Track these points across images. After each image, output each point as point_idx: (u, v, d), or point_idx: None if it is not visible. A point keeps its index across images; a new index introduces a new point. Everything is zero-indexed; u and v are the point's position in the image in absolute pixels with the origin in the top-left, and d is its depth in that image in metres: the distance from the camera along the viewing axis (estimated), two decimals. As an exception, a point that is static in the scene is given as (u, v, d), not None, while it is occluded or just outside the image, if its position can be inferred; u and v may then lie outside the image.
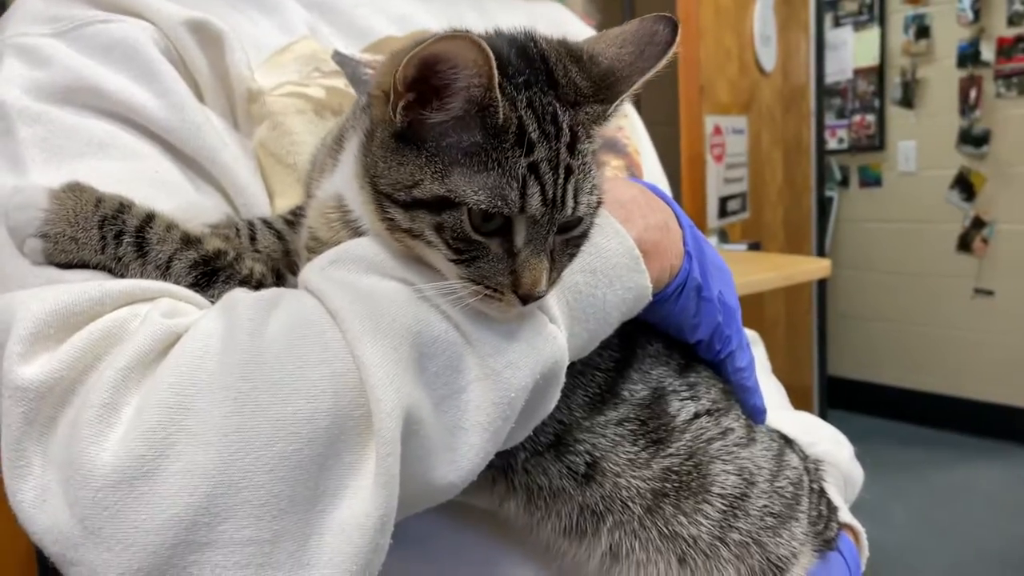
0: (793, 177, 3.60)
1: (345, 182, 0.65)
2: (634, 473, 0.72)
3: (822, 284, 3.97)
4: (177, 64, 0.76)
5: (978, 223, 4.63)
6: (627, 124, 1.13)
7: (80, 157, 0.67)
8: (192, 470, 0.51)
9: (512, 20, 1.10)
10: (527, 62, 0.61)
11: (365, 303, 0.56)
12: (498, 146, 0.57)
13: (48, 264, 0.62)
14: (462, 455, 0.59)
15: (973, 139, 4.58)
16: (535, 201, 0.57)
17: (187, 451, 0.51)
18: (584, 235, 0.63)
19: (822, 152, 3.80)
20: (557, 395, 0.65)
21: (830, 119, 5.04)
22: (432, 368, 0.57)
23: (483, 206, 0.56)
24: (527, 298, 0.58)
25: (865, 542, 0.95)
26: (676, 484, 0.73)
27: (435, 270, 0.60)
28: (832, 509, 0.89)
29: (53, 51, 0.71)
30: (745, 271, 2.08)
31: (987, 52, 4.51)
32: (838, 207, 5.19)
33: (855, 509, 0.98)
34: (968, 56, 4.56)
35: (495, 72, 0.54)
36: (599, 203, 0.63)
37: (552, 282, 0.60)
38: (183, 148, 0.73)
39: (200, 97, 0.78)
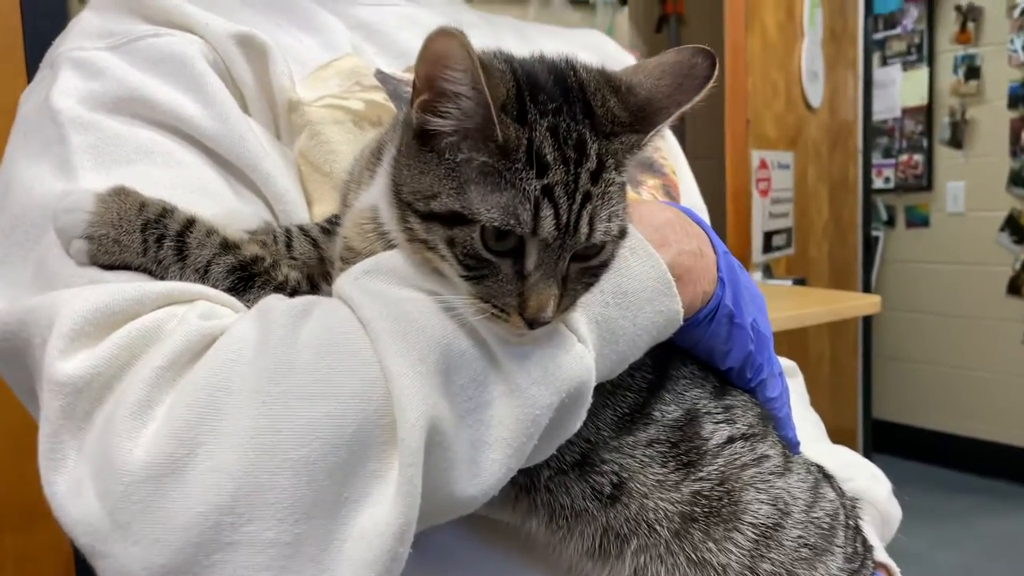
0: (839, 215, 3.56)
1: (380, 194, 0.66)
2: (662, 495, 0.71)
3: (867, 324, 3.90)
4: (224, 76, 0.79)
5: (1029, 266, 4.54)
6: (664, 145, 1.13)
7: (128, 163, 0.70)
8: (220, 470, 0.52)
9: (553, 46, 1.12)
10: (563, 90, 0.61)
11: (395, 314, 0.57)
12: (510, 167, 0.57)
13: (92, 265, 0.64)
14: (484, 469, 0.59)
15: (1024, 181, 4.51)
16: (548, 224, 0.57)
17: (216, 451, 0.52)
18: (603, 265, 0.63)
19: (869, 191, 3.75)
20: (583, 415, 0.64)
21: (876, 158, 4.99)
22: (458, 381, 0.58)
23: (496, 223, 0.57)
24: (533, 322, 0.57)
25: None
26: (706, 509, 0.71)
27: (455, 286, 0.61)
28: (868, 547, 0.86)
29: (106, 64, 0.75)
30: (791, 305, 2.05)
31: (1039, 93, 4.45)
32: (884, 247, 5.12)
33: (900, 556, 0.95)
34: (1020, 97, 4.51)
35: (482, 77, 0.54)
36: (621, 232, 0.62)
37: (563, 309, 0.59)
38: (226, 156, 0.75)
39: (245, 108, 0.80)
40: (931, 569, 3.73)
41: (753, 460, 0.75)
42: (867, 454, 3.85)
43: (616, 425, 0.70)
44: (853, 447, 3.44)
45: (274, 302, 0.62)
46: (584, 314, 0.63)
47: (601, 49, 1.20)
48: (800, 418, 0.89)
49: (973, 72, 4.69)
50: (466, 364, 0.58)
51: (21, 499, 1.93)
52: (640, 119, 0.62)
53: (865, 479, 0.96)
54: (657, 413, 0.72)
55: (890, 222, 5.11)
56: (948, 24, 4.77)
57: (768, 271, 2.91)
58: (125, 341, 0.58)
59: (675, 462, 0.71)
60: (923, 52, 4.88)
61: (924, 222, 4.97)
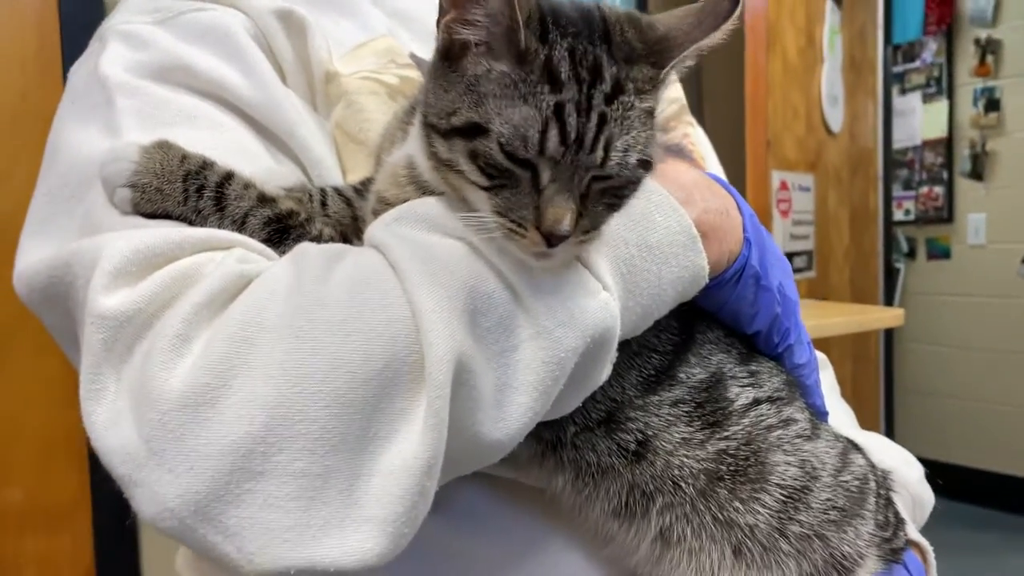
0: (860, 242, 3.55)
1: (415, 145, 0.68)
2: (687, 453, 0.71)
3: (889, 356, 3.86)
4: (264, 50, 0.82)
5: (1054, 299, 4.49)
6: (693, 133, 1.14)
7: (171, 125, 0.72)
8: (252, 400, 0.53)
9: None
10: (587, 21, 0.63)
11: (424, 256, 0.59)
12: (526, 79, 0.58)
13: (135, 213, 0.66)
14: (510, 413, 0.59)
15: (1047, 213, 4.48)
16: (554, 142, 0.57)
17: (248, 383, 0.54)
18: (627, 188, 0.63)
19: (889, 220, 3.75)
20: (608, 366, 0.64)
21: (896, 190, 4.98)
22: (485, 323, 0.58)
23: (504, 139, 0.58)
24: (549, 236, 0.58)
25: (933, 562, 0.90)
26: (732, 468, 0.71)
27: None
28: (900, 519, 0.85)
29: (152, 36, 0.78)
30: (814, 315, 2.04)
31: (1060, 125, 4.44)
32: (905, 279, 5.09)
33: None
34: (1041, 129, 4.50)
35: None
36: (646, 163, 0.62)
37: (583, 230, 0.60)
38: (265, 123, 0.78)
39: (284, 81, 0.83)
40: (958, 606, 3.65)
41: (779, 423, 0.75)
42: (890, 487, 3.78)
43: (642, 385, 0.71)
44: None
45: (308, 246, 0.63)
46: (610, 263, 0.63)
47: None
48: (832, 407, 0.88)
49: (993, 104, 4.69)
50: (493, 306, 0.59)
51: (44, 502, 1.93)
52: (657, 51, 0.63)
53: (897, 462, 0.95)
54: (682, 374, 0.72)
55: (911, 254, 5.09)
56: (967, 57, 4.79)
57: (789, 292, 2.90)
58: (166, 280, 0.59)
59: (700, 421, 0.71)
60: (942, 85, 4.90)
61: (945, 254, 4.94)
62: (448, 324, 0.56)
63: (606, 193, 0.62)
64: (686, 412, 0.72)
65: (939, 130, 4.92)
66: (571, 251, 0.60)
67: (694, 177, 0.75)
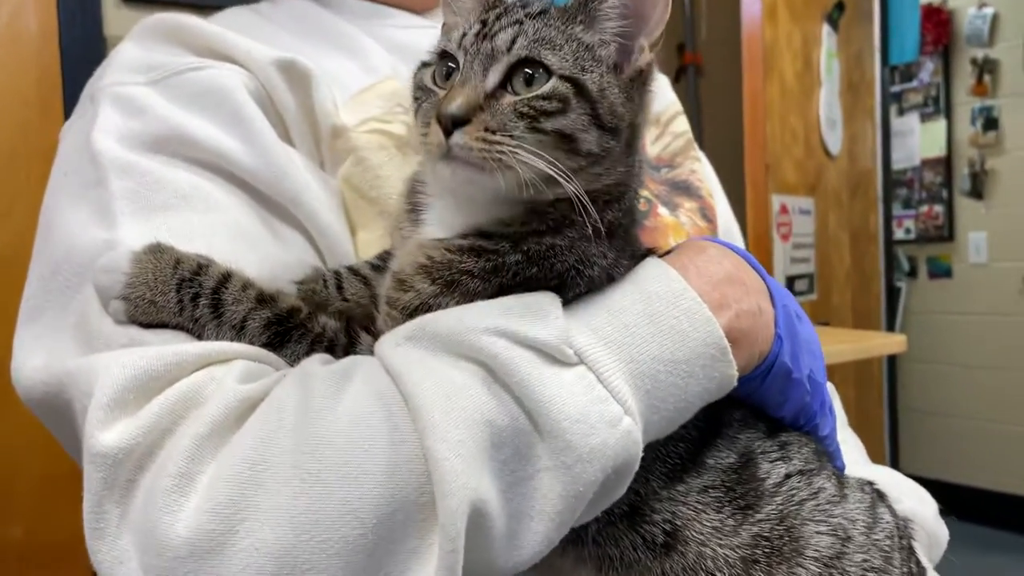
0: (861, 263, 3.55)
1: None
2: (721, 541, 0.68)
3: (892, 375, 3.85)
4: (265, 104, 0.80)
5: (1056, 317, 4.49)
6: (700, 168, 1.13)
7: (166, 209, 0.71)
8: (259, 548, 0.52)
9: None
10: None
11: (438, 390, 0.56)
12: (476, 13, 0.68)
13: (131, 323, 0.64)
14: (525, 541, 0.57)
15: (1048, 231, 4.49)
16: (470, 36, 0.64)
17: (255, 529, 0.52)
18: (548, 100, 0.62)
19: (890, 240, 3.75)
20: (628, 483, 0.62)
21: (896, 209, 4.99)
22: (501, 456, 0.56)
23: (440, 46, 0.67)
24: (440, 119, 0.61)
25: None
26: (767, 550, 0.68)
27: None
28: (921, 569, 0.84)
29: (147, 101, 0.75)
30: (817, 343, 2.04)
31: (1059, 144, 4.46)
32: (907, 298, 5.08)
33: None
34: (1040, 147, 4.52)
35: None
36: (575, 82, 0.63)
37: (483, 124, 0.61)
38: (268, 192, 0.76)
39: (287, 135, 0.81)
40: (967, 629, 3.61)
41: (811, 495, 0.72)
42: (896, 509, 3.76)
43: (667, 475, 0.68)
44: (882, 498, 3.32)
45: (315, 367, 0.61)
46: (632, 381, 0.61)
47: None
48: (842, 439, 0.86)
49: (991, 123, 4.71)
50: (510, 439, 0.57)
51: (45, 540, 1.92)
52: None
53: (912, 499, 0.94)
54: (711, 460, 0.69)
55: (912, 273, 5.08)
56: (964, 76, 4.81)
57: (791, 316, 2.90)
58: (164, 408, 0.58)
59: (732, 506, 0.68)
60: (940, 104, 4.92)
61: (947, 273, 4.94)
62: (463, 471, 0.54)
63: (521, 102, 0.62)
64: (716, 498, 0.68)
65: (938, 149, 4.94)
66: (474, 148, 0.60)
67: (726, 270, 0.71)
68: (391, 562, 0.54)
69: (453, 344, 0.59)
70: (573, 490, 0.57)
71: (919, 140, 5.01)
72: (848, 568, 0.70)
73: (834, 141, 3.24)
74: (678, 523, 0.67)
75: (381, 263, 0.76)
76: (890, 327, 3.83)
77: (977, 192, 4.78)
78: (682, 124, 1.13)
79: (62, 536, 1.94)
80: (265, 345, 0.66)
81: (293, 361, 0.66)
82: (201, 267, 0.65)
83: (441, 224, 0.68)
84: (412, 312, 0.64)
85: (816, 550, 0.69)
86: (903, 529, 0.83)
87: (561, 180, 0.61)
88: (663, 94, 1.17)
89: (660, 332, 0.63)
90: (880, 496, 0.82)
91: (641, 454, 0.61)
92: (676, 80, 3.18)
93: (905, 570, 0.78)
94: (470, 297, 0.63)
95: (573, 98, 0.63)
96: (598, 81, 0.64)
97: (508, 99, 0.62)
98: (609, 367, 0.60)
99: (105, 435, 0.56)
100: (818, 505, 0.72)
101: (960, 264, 4.89)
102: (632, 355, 0.61)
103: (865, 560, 0.72)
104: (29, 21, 1.95)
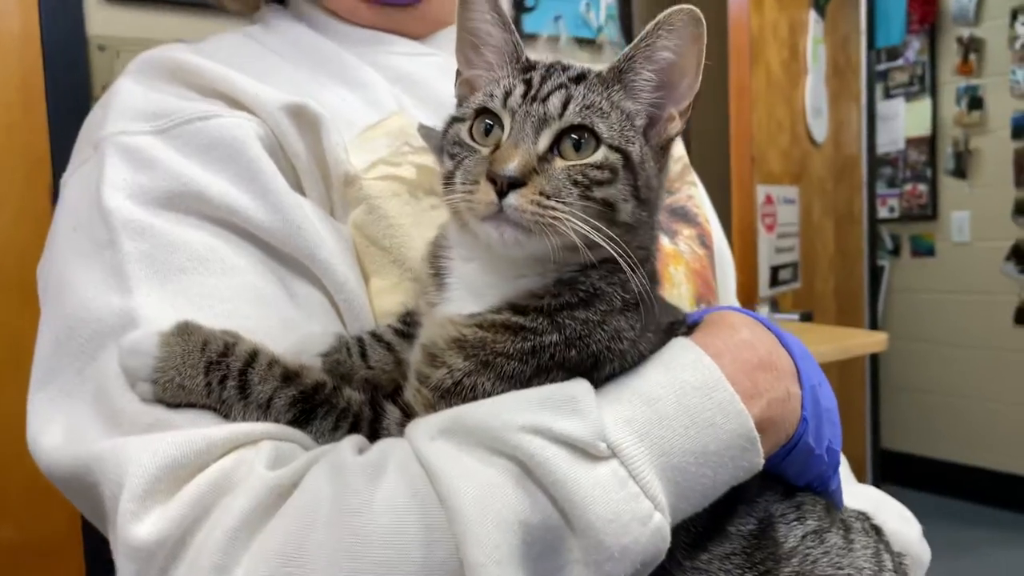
0: (845, 246, 3.58)
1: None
2: None
3: (875, 354, 3.90)
4: (276, 151, 0.79)
5: (1036, 295, 4.55)
6: (696, 193, 1.13)
7: (182, 272, 0.70)
8: None
9: None
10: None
11: (474, 491, 0.57)
12: (509, 71, 0.69)
13: (157, 403, 0.64)
14: None
15: (1030, 211, 4.53)
16: (516, 97, 0.65)
17: None
18: (601, 170, 0.64)
19: (874, 221, 3.78)
20: (652, 569, 0.63)
21: (881, 188, 5.01)
22: (533, 552, 0.57)
23: (477, 102, 0.66)
24: (494, 177, 0.60)
25: None
26: None
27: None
28: None
29: (154, 153, 0.74)
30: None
31: (1043, 124, 4.48)
32: (890, 277, 5.13)
33: None
34: (1023, 127, 4.53)
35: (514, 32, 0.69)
36: (622, 152, 0.65)
37: (538, 188, 0.61)
38: (283, 248, 0.75)
39: (297, 181, 0.80)
40: (944, 602, 3.70)
41: (823, 552, 0.74)
42: (875, 484, 3.83)
43: (690, 546, 0.68)
44: (861, 477, 3.42)
45: (348, 457, 0.61)
46: (663, 476, 0.61)
47: None
48: None
49: (976, 103, 4.72)
50: (542, 535, 0.57)
51: (37, 538, 1.94)
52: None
53: (896, 521, 0.95)
54: (732, 528, 0.70)
55: (895, 252, 5.13)
56: (950, 56, 4.81)
57: (775, 305, 2.92)
58: (195, 497, 0.58)
59: (752, 572, 0.69)
60: (925, 83, 4.92)
61: (930, 251, 4.99)
62: None
63: (574, 169, 0.63)
64: (737, 564, 0.69)
65: (923, 128, 4.95)
66: (528, 212, 0.61)
67: (760, 357, 0.71)
68: None
69: (488, 439, 0.59)
70: None
71: (903, 123, 5.03)
72: None
73: (819, 129, 3.24)
74: None
75: (404, 327, 0.76)
76: (872, 307, 3.88)
77: (961, 171, 4.81)
78: (679, 148, 1.12)
79: (54, 534, 1.96)
80: (291, 422, 0.66)
81: (319, 437, 0.66)
82: (228, 347, 0.65)
83: (469, 293, 0.68)
84: (444, 393, 0.64)
85: None
86: (897, 564, 0.85)
87: (609, 247, 0.62)
88: None
89: (693, 425, 0.63)
90: (878, 532, 0.84)
91: (668, 546, 0.61)
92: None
93: None
94: (505, 379, 0.63)
95: (621, 169, 0.64)
96: (639, 152, 0.66)
97: (560, 164, 0.63)
98: (642, 463, 0.60)
99: (138, 528, 0.57)
100: (829, 560, 0.73)
101: (943, 243, 4.93)
102: (664, 448, 0.62)
103: None
104: (11, 22, 1.93)
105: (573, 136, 0.63)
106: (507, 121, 0.64)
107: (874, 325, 3.90)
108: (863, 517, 0.83)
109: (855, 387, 3.73)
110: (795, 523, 0.74)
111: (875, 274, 4.04)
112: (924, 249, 5.00)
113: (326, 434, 0.66)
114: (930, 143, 4.93)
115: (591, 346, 0.63)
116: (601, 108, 0.65)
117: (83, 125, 0.84)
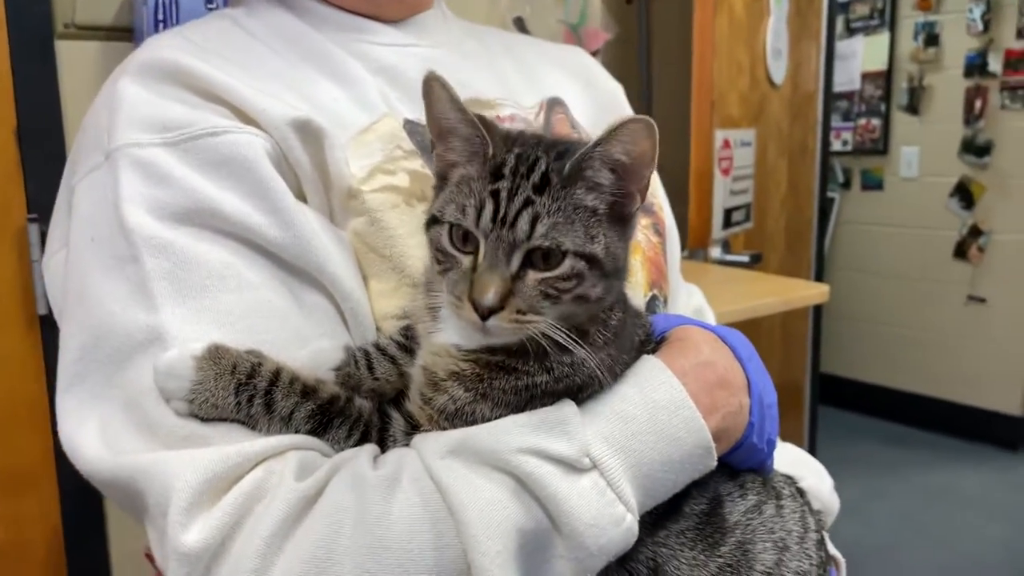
0: (796, 183, 3.67)
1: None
2: (693, 573, 0.80)
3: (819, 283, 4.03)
4: (282, 164, 0.83)
5: (975, 232, 4.73)
6: (652, 182, 1.19)
7: (203, 290, 0.75)
8: None
9: (542, 66, 1.17)
10: (543, 139, 0.76)
11: (479, 505, 0.67)
12: (480, 175, 0.71)
13: (191, 417, 0.72)
14: None
15: (975, 149, 4.66)
16: (486, 218, 0.69)
17: None
18: (566, 280, 0.70)
19: (826, 156, 3.86)
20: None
21: (836, 121, 5.10)
22: (526, 551, 0.68)
23: (446, 216, 0.71)
24: (476, 305, 0.68)
25: (844, 570, 1.05)
26: (730, 574, 0.82)
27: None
28: (828, 555, 0.99)
29: (168, 168, 0.78)
30: (744, 294, 2.17)
31: (994, 63, 4.57)
32: (839, 209, 5.27)
33: (839, 506, 1.09)
34: (975, 66, 4.62)
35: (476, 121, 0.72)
36: (590, 258, 0.71)
37: (515, 307, 0.69)
38: (294, 263, 0.81)
39: (299, 188, 0.85)
40: (866, 517, 3.98)
41: (761, 522, 0.86)
42: (813, 407, 4.06)
43: (652, 524, 0.79)
44: (800, 400, 3.60)
45: (366, 470, 0.70)
46: (635, 483, 0.73)
47: (586, 70, 1.25)
48: None
49: (932, 39, 4.78)
50: (534, 537, 0.69)
51: (10, 467, 1.99)
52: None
53: (812, 477, 1.08)
54: (687, 508, 0.81)
55: (846, 185, 5.26)
56: (911, -10, 4.85)
57: (727, 246, 3.02)
58: (234, 507, 0.67)
59: (703, 543, 0.81)
60: (885, 17, 4.96)
61: (879, 185, 5.12)
62: None
63: (544, 283, 0.70)
64: (690, 538, 0.81)
65: (879, 63, 5.01)
66: (508, 328, 0.69)
67: (719, 373, 0.82)
68: None
69: (491, 459, 0.69)
70: (581, 574, 0.70)
71: (861, 58, 5.07)
72: (784, 573, 0.85)
73: (778, 70, 3.28)
74: (659, 560, 0.79)
75: (405, 340, 0.83)
76: (820, 240, 4.00)
77: (913, 107, 4.91)
78: None
79: (27, 464, 2.02)
80: (310, 432, 0.74)
81: (335, 444, 0.75)
82: (254, 368, 0.73)
83: (460, 335, 0.75)
84: (448, 416, 0.74)
85: (764, 564, 0.83)
86: (817, 521, 0.97)
87: (572, 347, 0.70)
88: (621, 109, 1.23)
89: (662, 439, 0.74)
90: (802, 495, 0.96)
91: (637, 538, 0.73)
92: (628, 1, 3.16)
93: (817, 559, 0.93)
94: (502, 407, 0.72)
95: (587, 271, 0.71)
96: (603, 243, 0.72)
97: (532, 277, 0.69)
98: (618, 474, 0.71)
99: (187, 536, 0.65)
100: (765, 527, 0.86)
101: (892, 177, 5.06)
102: (636, 460, 0.73)
103: (798, 564, 0.86)
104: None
105: (542, 250, 0.69)
106: (482, 242, 0.70)
107: (820, 260, 4.03)
108: (790, 481, 0.95)
109: (799, 315, 3.88)
110: (738, 500, 0.86)
111: (824, 208, 4.15)
112: (873, 183, 5.13)
113: (341, 441, 0.75)
114: (886, 78, 5.00)
115: (577, 380, 0.74)
116: (566, 217, 0.70)
117: (85, 124, 0.87)
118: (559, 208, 0.70)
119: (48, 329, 1.94)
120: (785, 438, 1.17)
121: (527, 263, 0.70)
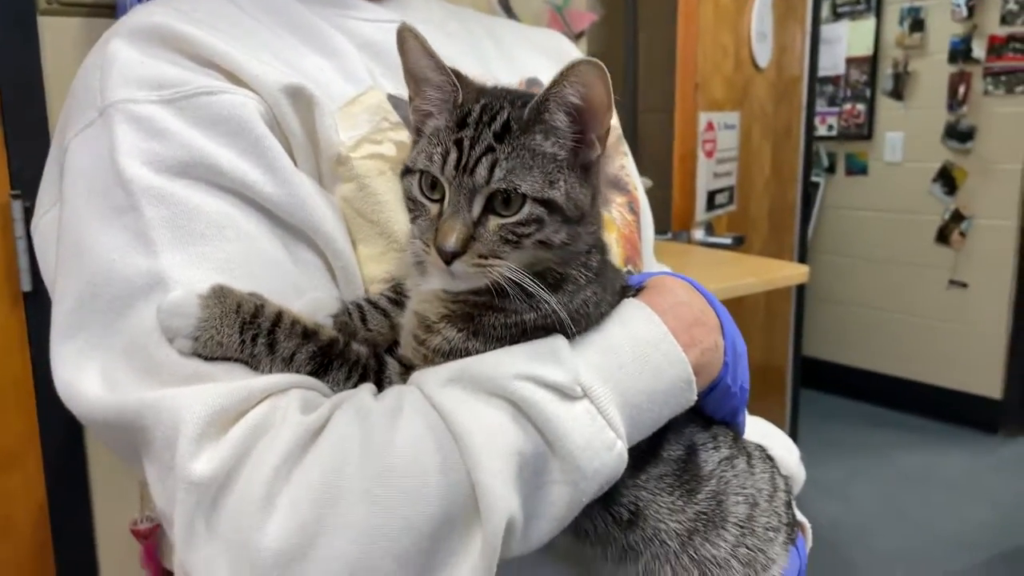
0: (780, 167, 3.69)
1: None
2: (672, 518, 0.84)
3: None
4: (274, 127, 0.84)
5: (957, 216, 4.77)
6: (627, 163, 1.22)
7: (202, 238, 0.76)
8: (338, 559, 0.64)
9: (521, 49, 1.19)
10: (512, 91, 0.79)
11: (481, 429, 0.69)
12: (448, 126, 0.74)
13: (194, 356, 0.73)
14: (532, 536, 0.72)
15: (958, 134, 4.70)
16: (450, 165, 0.72)
17: (334, 542, 0.64)
18: (526, 225, 0.73)
19: (811, 140, 3.89)
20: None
21: (821, 106, 5.13)
22: (525, 474, 0.70)
23: (417, 165, 0.74)
24: (440, 252, 0.71)
25: (810, 535, 1.09)
26: (705, 521, 0.86)
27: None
28: (795, 518, 1.02)
29: (164, 122, 0.78)
30: (727, 275, 2.20)
31: (978, 49, 4.60)
32: (823, 193, 5.31)
33: (819, 487, 1.10)
34: (959, 52, 4.65)
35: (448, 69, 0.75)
36: (549, 203, 0.73)
37: (476, 252, 0.72)
38: (290, 220, 0.82)
39: (291, 153, 0.86)
40: (846, 498, 4.00)
41: (733, 475, 0.90)
42: (795, 390, 4.11)
43: (632, 467, 0.81)
44: (783, 383, 3.63)
45: (368, 401, 0.72)
46: (624, 413, 0.76)
47: (564, 54, 1.27)
48: None
49: (918, 25, 4.81)
50: (532, 461, 0.71)
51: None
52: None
53: (780, 449, 1.12)
54: (665, 453, 0.85)
55: (831, 169, 5.29)
56: (897, -25, 4.86)
57: (710, 228, 3.04)
58: (240, 438, 0.68)
59: (680, 490, 0.85)
60: (871, 2, 4.97)
61: (863, 170, 5.16)
62: (501, 496, 0.67)
63: (505, 229, 0.73)
64: (669, 484, 0.85)
65: (865, 48, 5.03)
66: (472, 272, 0.72)
67: (695, 314, 0.86)
68: (438, 558, 0.68)
69: (490, 386, 0.72)
70: (576, 500, 0.73)
71: (847, 42, 5.10)
72: (755, 528, 0.89)
73: (763, 54, 3.29)
74: (640, 504, 0.83)
75: (395, 295, 0.86)
76: (804, 225, 4.04)
77: (898, 93, 4.93)
78: (612, 119, 1.21)
79: (11, 439, 2.03)
80: (310, 373, 0.76)
81: (334, 386, 0.77)
82: (258, 308, 0.74)
83: (442, 280, 0.77)
84: (443, 355, 0.76)
85: (736, 517, 0.88)
86: (785, 485, 1.01)
87: (535, 291, 0.73)
88: None
89: (645, 370, 0.78)
90: (772, 461, 1.00)
91: (627, 465, 0.76)
92: (614, -17, 3.16)
93: (786, 520, 0.97)
94: (494, 341, 0.75)
95: (547, 216, 0.73)
96: (564, 189, 0.74)
97: (493, 223, 0.72)
98: (607, 401, 0.74)
99: (196, 465, 0.66)
100: (738, 481, 0.90)
101: (876, 162, 5.10)
102: (623, 389, 0.75)
103: (767, 521, 0.91)
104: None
105: (501, 194, 0.72)
106: (447, 188, 0.73)
107: (803, 245, 4.07)
108: (761, 448, 1.00)
109: (782, 298, 3.92)
110: (712, 450, 0.90)
111: (808, 193, 4.18)
112: (858, 168, 5.16)
113: (341, 383, 0.77)
114: (871, 63, 5.02)
115: (563, 319, 0.76)
116: (524, 163, 0.72)
117: (74, 88, 0.87)
118: (516, 154, 0.72)
119: (32, 306, 1.94)
120: (768, 420, 1.20)
121: (489, 209, 0.73)
